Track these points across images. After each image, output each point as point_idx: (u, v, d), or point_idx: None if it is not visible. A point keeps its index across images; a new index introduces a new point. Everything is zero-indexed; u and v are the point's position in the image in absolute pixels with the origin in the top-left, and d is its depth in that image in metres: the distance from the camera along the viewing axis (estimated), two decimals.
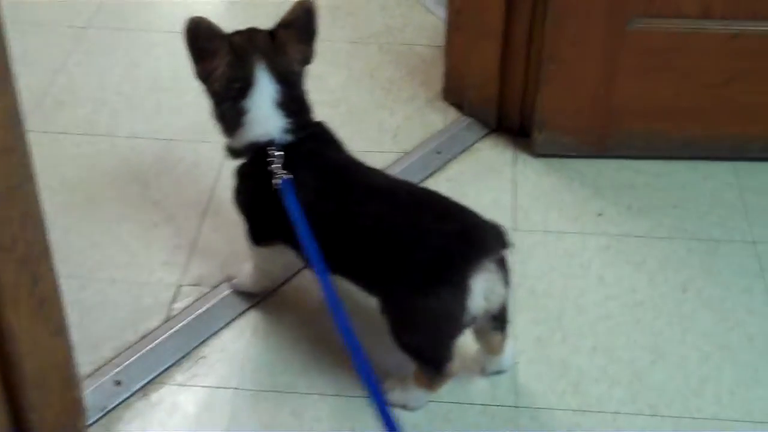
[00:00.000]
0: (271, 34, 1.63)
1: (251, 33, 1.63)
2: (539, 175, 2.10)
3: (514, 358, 1.70)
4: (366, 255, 1.55)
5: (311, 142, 1.62)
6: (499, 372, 1.69)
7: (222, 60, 1.57)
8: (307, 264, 1.68)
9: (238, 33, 1.63)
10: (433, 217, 1.52)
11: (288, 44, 1.62)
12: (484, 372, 1.69)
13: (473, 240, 1.50)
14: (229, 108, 1.60)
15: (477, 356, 1.68)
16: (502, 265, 1.52)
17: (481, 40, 2.13)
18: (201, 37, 1.56)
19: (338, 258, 1.55)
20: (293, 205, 1.52)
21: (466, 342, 1.65)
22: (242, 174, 1.67)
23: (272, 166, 1.56)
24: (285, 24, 1.63)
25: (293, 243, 1.62)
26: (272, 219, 1.62)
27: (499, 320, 1.59)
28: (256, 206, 1.67)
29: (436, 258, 1.48)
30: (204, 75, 1.59)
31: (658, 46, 2.00)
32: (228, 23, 1.66)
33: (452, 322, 1.51)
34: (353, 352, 1.40)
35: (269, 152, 1.58)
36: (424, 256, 1.48)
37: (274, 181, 1.55)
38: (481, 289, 1.48)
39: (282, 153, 1.58)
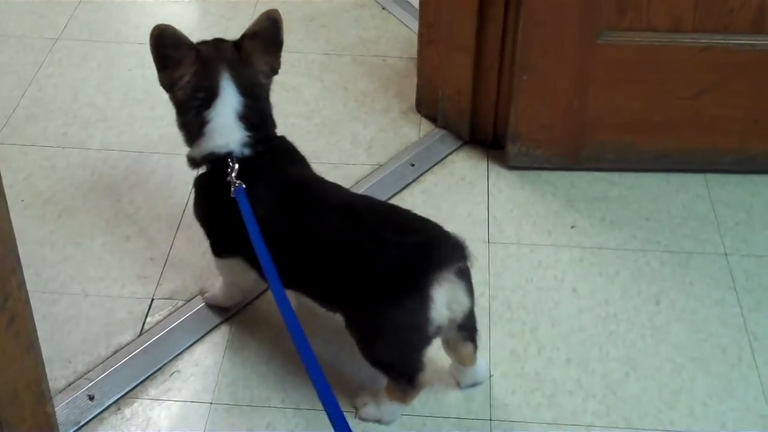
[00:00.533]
0: (237, 45, 1.62)
1: (217, 43, 1.63)
2: (513, 188, 2.11)
3: (489, 370, 1.71)
4: (327, 271, 1.55)
5: (269, 157, 1.61)
6: (474, 384, 1.69)
7: (188, 69, 1.56)
8: (266, 280, 1.68)
9: (204, 43, 1.62)
10: (393, 230, 1.52)
11: (254, 55, 1.61)
12: (459, 385, 1.69)
13: (433, 250, 1.50)
14: (193, 117, 1.59)
15: (451, 370, 1.68)
16: (463, 274, 1.51)
17: (453, 53, 2.13)
18: (166, 44, 1.54)
19: (298, 275, 1.55)
20: (248, 215, 1.52)
21: (441, 354, 1.65)
22: (199, 185, 1.67)
23: (229, 177, 1.56)
24: (251, 35, 1.62)
25: (251, 259, 1.61)
26: (229, 232, 1.61)
27: (466, 330, 1.59)
28: (213, 218, 1.67)
29: (398, 270, 1.48)
30: (168, 83, 1.58)
31: (628, 58, 2.01)
32: (201, 35, 1.66)
33: (418, 332, 1.50)
34: (308, 364, 1.38)
35: (227, 164, 1.58)
36: (385, 269, 1.48)
37: (232, 189, 1.55)
38: (444, 299, 1.48)
39: (239, 165, 1.57)
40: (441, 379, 1.69)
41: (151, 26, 2.54)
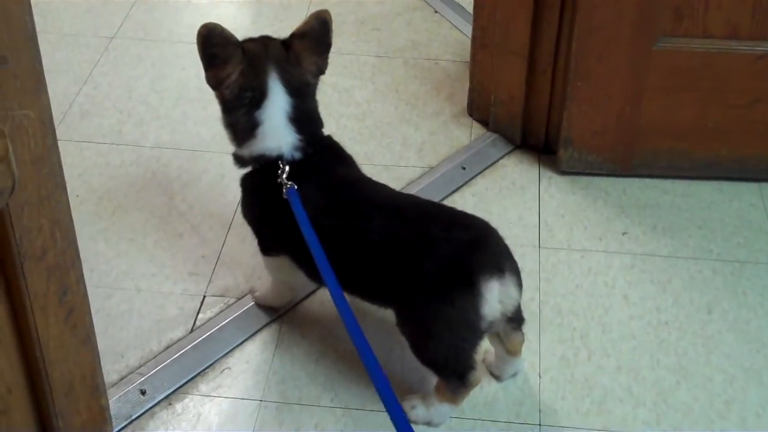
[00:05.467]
0: (285, 43, 1.62)
1: (265, 41, 1.63)
2: (564, 193, 2.10)
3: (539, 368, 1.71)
4: (376, 269, 1.55)
5: (319, 158, 1.62)
6: (515, 374, 1.70)
7: (235, 68, 1.55)
8: (313, 279, 1.69)
9: (251, 40, 1.62)
10: (441, 226, 1.53)
11: (302, 55, 1.61)
12: (500, 378, 1.69)
13: (484, 246, 1.51)
14: (242, 117, 1.59)
15: (494, 363, 1.69)
16: (513, 269, 1.53)
17: (506, 57, 2.13)
18: (214, 43, 1.53)
19: (349, 274, 1.55)
20: (301, 215, 1.52)
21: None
22: (247, 186, 1.68)
23: (280, 179, 1.57)
24: (300, 35, 1.62)
25: (299, 258, 1.63)
26: (278, 232, 1.63)
27: (516, 321, 1.60)
28: (262, 218, 1.68)
29: (448, 266, 1.49)
30: (214, 82, 1.57)
31: (684, 65, 2.00)
32: (254, 35, 1.67)
33: (470, 328, 1.51)
34: (368, 365, 1.39)
35: (277, 165, 1.58)
36: (436, 265, 1.49)
37: (284, 190, 1.56)
38: (496, 295, 1.49)
39: (289, 167, 1.58)
40: (491, 382, 1.69)
41: None
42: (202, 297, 1.86)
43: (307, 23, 1.62)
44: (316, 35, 1.61)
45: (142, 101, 2.37)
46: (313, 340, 1.77)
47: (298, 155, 1.59)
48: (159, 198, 2.08)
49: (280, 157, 1.59)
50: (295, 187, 1.56)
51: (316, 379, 1.70)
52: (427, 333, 1.54)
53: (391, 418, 1.31)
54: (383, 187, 1.67)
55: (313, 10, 2.65)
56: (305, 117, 1.61)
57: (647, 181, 2.13)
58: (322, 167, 1.62)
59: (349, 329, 1.41)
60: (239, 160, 1.65)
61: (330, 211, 1.57)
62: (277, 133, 1.59)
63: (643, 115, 2.06)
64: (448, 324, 1.51)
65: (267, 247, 1.73)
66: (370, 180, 1.67)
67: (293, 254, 1.66)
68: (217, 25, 1.54)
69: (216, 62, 1.55)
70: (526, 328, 1.65)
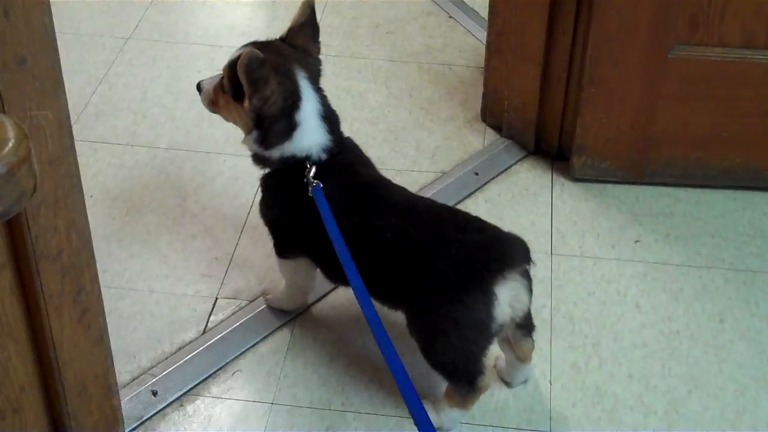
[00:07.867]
0: (285, 39, 1.66)
1: (273, 46, 1.64)
2: (577, 200, 2.10)
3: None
4: (390, 268, 1.56)
5: (341, 158, 1.64)
6: (525, 381, 1.70)
7: (273, 82, 1.56)
8: (331, 279, 1.71)
9: (265, 49, 1.60)
10: (454, 229, 1.54)
11: (308, 45, 1.66)
12: (511, 385, 1.70)
13: (498, 249, 1.52)
14: (280, 123, 1.60)
15: (504, 369, 1.69)
16: (525, 273, 1.53)
17: (521, 63, 2.13)
18: (254, 68, 1.53)
19: (363, 273, 1.56)
20: (326, 212, 1.54)
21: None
22: (270, 185, 1.69)
23: (306, 177, 1.58)
24: (299, 26, 1.65)
25: (319, 257, 1.65)
26: (299, 231, 1.64)
27: (526, 327, 1.60)
28: (283, 218, 1.68)
29: (460, 267, 1.49)
30: (261, 103, 1.57)
31: (698, 74, 1.99)
32: (269, 37, 1.68)
33: (480, 330, 1.51)
34: (393, 366, 1.39)
35: (303, 165, 1.60)
36: (448, 265, 1.50)
37: (310, 189, 1.57)
38: (507, 297, 1.49)
39: (315, 167, 1.60)
40: (501, 388, 1.69)
41: (221, 28, 2.57)
42: (214, 299, 1.86)
43: (302, 14, 1.66)
44: (311, 22, 1.66)
45: (157, 102, 2.37)
46: (325, 343, 1.77)
47: (324, 156, 1.61)
48: (172, 199, 2.09)
49: (308, 158, 1.61)
50: (321, 185, 1.58)
51: (328, 382, 1.70)
52: (436, 334, 1.54)
53: (410, 411, 1.33)
54: (400, 189, 1.68)
55: (328, 11, 2.68)
56: (331, 113, 1.64)
57: (661, 189, 2.12)
58: (344, 167, 1.64)
59: (371, 323, 1.41)
60: (263, 161, 1.66)
61: (347, 210, 1.58)
62: (311, 133, 1.61)
63: (657, 123, 2.06)
64: (457, 324, 1.51)
65: (283, 249, 1.73)
66: (388, 181, 1.68)
67: (313, 253, 1.67)
68: (252, 49, 1.53)
69: (259, 84, 1.55)
70: (538, 334, 1.65)
